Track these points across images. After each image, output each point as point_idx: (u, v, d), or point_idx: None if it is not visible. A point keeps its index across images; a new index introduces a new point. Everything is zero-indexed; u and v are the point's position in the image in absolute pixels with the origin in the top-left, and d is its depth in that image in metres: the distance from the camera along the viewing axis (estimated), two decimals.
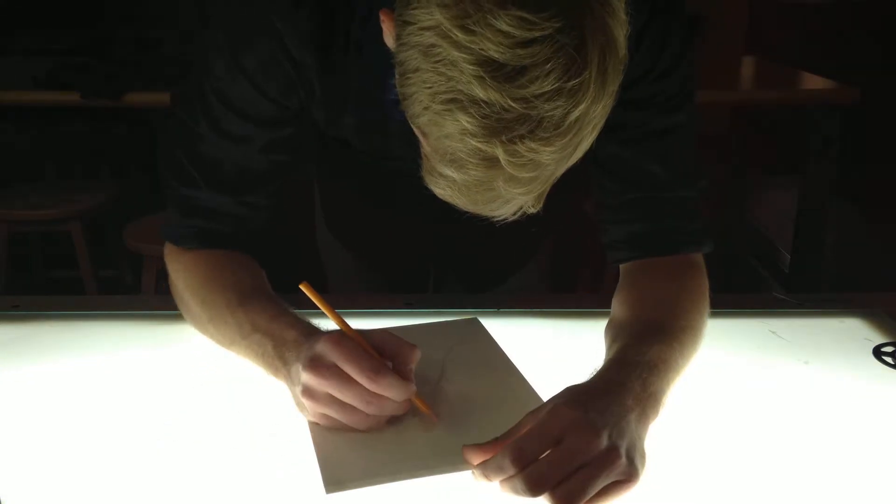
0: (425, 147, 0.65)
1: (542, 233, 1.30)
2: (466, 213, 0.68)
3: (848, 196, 2.75)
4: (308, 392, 0.75)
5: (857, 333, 0.99)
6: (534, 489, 0.63)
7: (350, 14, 0.82)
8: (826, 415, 0.82)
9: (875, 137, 2.64)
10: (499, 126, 0.57)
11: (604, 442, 0.66)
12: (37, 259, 2.88)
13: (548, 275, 1.34)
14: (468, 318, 1.00)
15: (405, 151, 0.92)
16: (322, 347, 0.74)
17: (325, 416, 0.75)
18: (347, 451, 0.74)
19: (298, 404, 0.78)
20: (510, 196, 0.63)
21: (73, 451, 0.75)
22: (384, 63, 0.79)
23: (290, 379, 0.78)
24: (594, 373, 0.77)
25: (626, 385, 0.73)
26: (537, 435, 0.67)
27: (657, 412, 0.75)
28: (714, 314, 1.02)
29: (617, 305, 0.91)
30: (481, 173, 0.61)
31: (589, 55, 0.57)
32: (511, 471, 0.65)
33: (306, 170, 1.27)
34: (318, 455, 0.73)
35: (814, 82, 2.66)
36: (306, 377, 0.74)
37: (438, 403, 0.80)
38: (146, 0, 3.08)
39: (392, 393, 0.73)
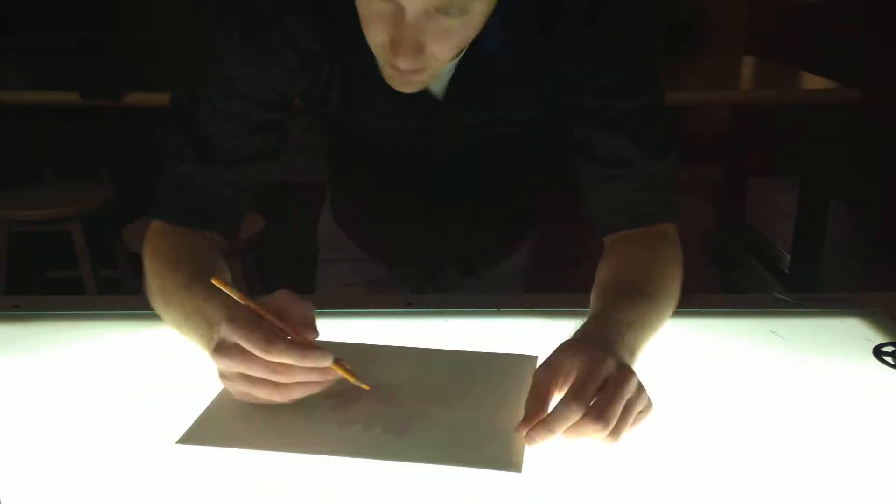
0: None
1: (531, 213, 1.32)
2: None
3: (847, 196, 2.75)
4: (222, 374, 0.77)
5: (857, 333, 0.99)
6: (604, 427, 0.71)
7: None
8: (826, 415, 0.82)
9: (875, 137, 2.63)
10: None
11: (636, 379, 0.75)
12: (37, 259, 2.88)
13: (537, 260, 1.37)
14: (526, 356, 0.93)
15: (390, 121, 0.99)
16: (224, 330, 0.76)
17: (243, 393, 0.78)
18: (236, 414, 0.79)
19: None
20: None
21: (74, 451, 0.75)
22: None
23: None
24: (578, 330, 0.84)
25: (611, 338, 0.81)
26: (586, 382, 0.73)
27: (633, 364, 0.81)
28: (714, 314, 1.02)
29: (600, 270, 0.97)
30: None
31: None
32: (576, 417, 0.71)
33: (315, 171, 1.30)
34: (205, 410, 0.79)
35: (814, 82, 2.66)
36: (217, 362, 0.76)
37: (403, 405, 0.81)
38: (146, 0, 3.08)
39: (290, 358, 0.73)
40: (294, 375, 0.76)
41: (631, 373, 0.75)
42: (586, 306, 0.99)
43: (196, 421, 0.79)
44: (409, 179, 1.12)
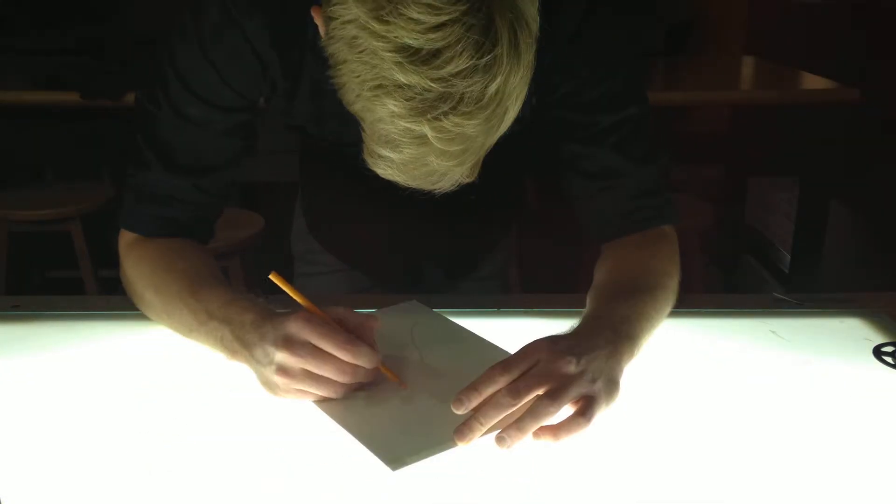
0: (365, 131, 0.70)
1: (509, 215, 1.34)
2: (419, 191, 0.73)
3: (847, 196, 2.75)
4: (283, 370, 0.78)
5: (857, 333, 0.99)
6: (514, 397, 0.74)
7: (304, 11, 0.84)
8: (826, 415, 0.82)
9: (875, 137, 2.63)
10: (423, 106, 0.63)
11: (572, 364, 0.76)
12: (37, 259, 2.88)
13: (517, 261, 1.38)
14: (407, 302, 1.05)
15: (360, 137, 0.97)
16: (294, 327, 0.78)
17: (299, 391, 0.79)
18: (388, 431, 0.78)
19: (265, 383, 0.81)
20: (444, 169, 0.69)
21: (74, 451, 0.75)
22: None
23: (256, 360, 0.80)
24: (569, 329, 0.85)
25: (597, 332, 0.82)
26: (515, 359, 0.77)
27: (632, 352, 0.83)
28: (714, 314, 1.02)
29: (596, 273, 0.98)
30: (414, 150, 0.66)
31: (498, 32, 0.62)
32: (501, 382, 0.75)
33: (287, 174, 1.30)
34: (363, 440, 0.76)
35: (814, 82, 2.66)
36: (281, 356, 0.77)
37: (428, 379, 0.86)
38: (146, 0, 3.08)
39: (365, 361, 0.78)
40: (357, 376, 0.79)
41: (563, 359, 0.76)
42: (585, 306, 0.99)
43: (373, 446, 0.76)
44: (384, 189, 1.12)
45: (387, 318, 0.96)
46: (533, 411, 0.73)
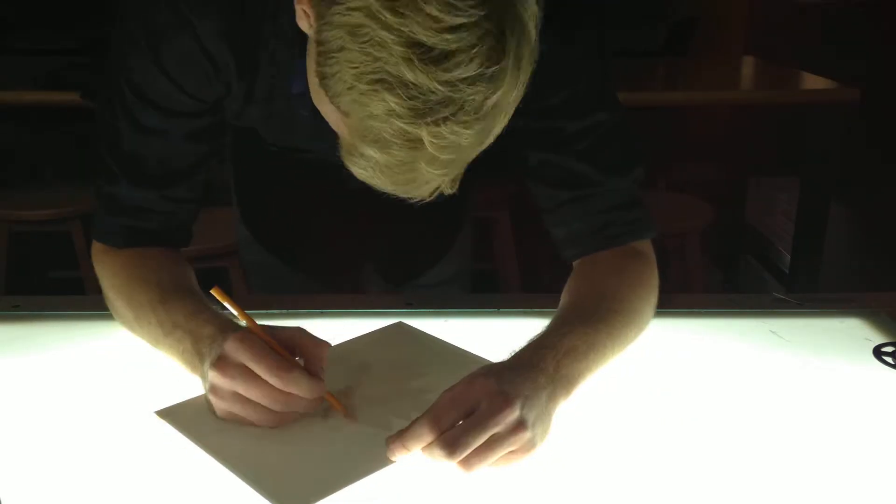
0: (345, 128, 0.66)
1: (457, 222, 1.33)
2: (380, 195, 0.69)
3: (847, 196, 2.75)
4: (214, 390, 0.76)
5: (857, 333, 0.99)
6: (450, 454, 0.68)
7: (262, 9, 0.83)
8: (826, 415, 0.82)
9: (875, 138, 2.64)
10: (424, 108, 0.60)
11: (515, 412, 0.70)
12: (37, 259, 2.88)
13: (469, 270, 1.37)
14: (394, 323, 1.00)
15: (310, 144, 0.94)
16: (229, 347, 0.75)
17: (231, 413, 0.76)
18: (282, 471, 0.72)
19: (208, 401, 0.78)
20: (429, 177, 0.66)
21: (74, 451, 0.75)
22: (291, 58, 0.80)
23: (202, 376, 0.78)
24: (511, 354, 0.79)
25: (539, 366, 0.76)
26: (452, 403, 0.70)
27: (568, 393, 0.78)
28: (714, 314, 1.02)
29: (563, 294, 0.93)
30: (404, 154, 0.63)
31: (507, 45, 0.60)
32: (429, 437, 0.69)
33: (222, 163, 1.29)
34: (252, 483, 0.70)
35: (814, 82, 2.66)
36: (213, 375, 0.75)
37: (400, 402, 0.82)
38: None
39: (301, 390, 0.74)
40: (292, 404, 0.75)
41: (508, 406, 0.69)
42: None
43: (263, 489, 0.70)
44: (325, 195, 1.11)
45: (368, 342, 0.95)
46: (466, 461, 0.69)
